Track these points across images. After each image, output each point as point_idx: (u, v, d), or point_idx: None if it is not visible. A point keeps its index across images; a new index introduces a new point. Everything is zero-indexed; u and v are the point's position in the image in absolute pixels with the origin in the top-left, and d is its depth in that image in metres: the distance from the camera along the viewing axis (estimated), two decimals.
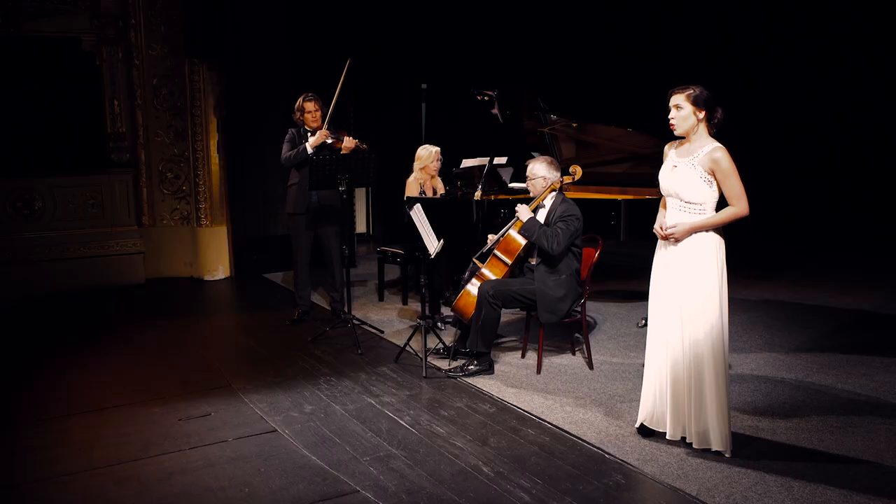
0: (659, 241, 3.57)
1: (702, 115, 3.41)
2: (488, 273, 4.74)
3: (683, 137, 3.50)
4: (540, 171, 4.64)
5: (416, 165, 6.00)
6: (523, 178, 4.87)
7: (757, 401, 4.15)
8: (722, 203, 3.43)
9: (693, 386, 3.45)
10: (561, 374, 4.67)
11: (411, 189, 5.96)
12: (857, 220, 8.67)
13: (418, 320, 5.14)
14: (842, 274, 7.39)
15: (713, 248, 3.42)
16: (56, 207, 7.26)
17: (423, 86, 6.31)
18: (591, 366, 4.77)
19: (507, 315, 5.76)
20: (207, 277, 7.77)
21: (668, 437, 3.57)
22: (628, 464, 3.42)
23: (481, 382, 4.52)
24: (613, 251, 7.28)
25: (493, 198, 6.00)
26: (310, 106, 5.64)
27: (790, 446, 3.56)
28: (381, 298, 6.65)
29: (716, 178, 3.37)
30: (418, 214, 4.77)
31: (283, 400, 4.30)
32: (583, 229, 4.63)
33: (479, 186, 5.73)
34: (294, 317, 6.00)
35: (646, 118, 5.33)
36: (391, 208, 9.22)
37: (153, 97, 7.61)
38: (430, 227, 4.79)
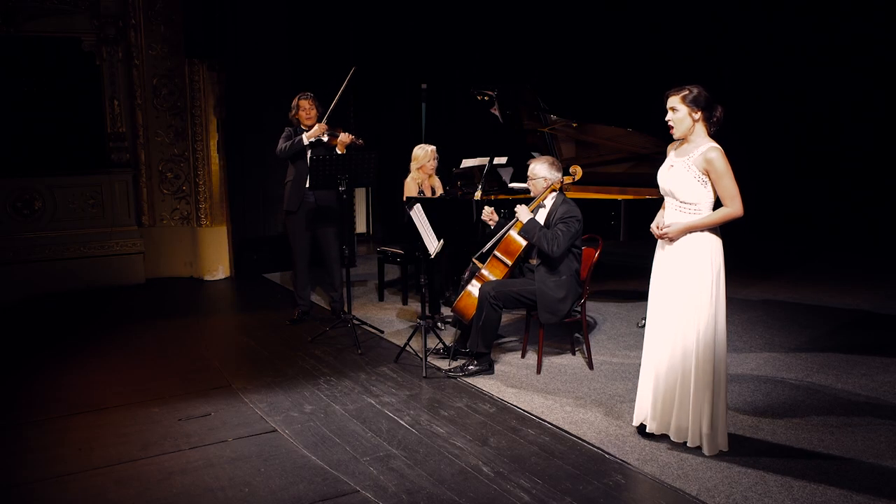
0: (658, 241, 3.57)
1: (698, 115, 3.40)
2: (488, 274, 4.73)
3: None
4: (541, 171, 4.64)
5: (413, 165, 6.00)
6: (523, 178, 4.87)
7: (757, 401, 4.15)
8: (720, 204, 3.43)
9: (680, 383, 3.47)
10: (561, 374, 4.67)
11: (410, 189, 5.96)
12: (857, 220, 8.66)
13: (418, 320, 5.14)
14: (842, 274, 7.39)
15: (708, 249, 3.42)
16: (56, 207, 7.26)
17: (423, 86, 6.31)
18: (591, 366, 4.77)
19: (507, 315, 5.76)
20: (207, 277, 7.77)
21: (647, 430, 3.63)
22: (628, 464, 3.42)
23: (481, 382, 4.52)
24: (613, 251, 7.29)
25: (493, 198, 6.00)
26: (304, 104, 5.68)
27: (790, 446, 3.56)
28: (381, 298, 6.65)
29: (710, 179, 3.37)
30: (418, 214, 4.77)
31: (283, 400, 4.30)
32: (583, 230, 4.63)
33: (479, 186, 5.72)
34: (294, 317, 6.00)
35: (646, 118, 5.32)
36: (391, 208, 9.22)
37: (153, 97, 7.61)
38: (430, 227, 4.79)
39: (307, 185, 5.45)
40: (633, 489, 3.24)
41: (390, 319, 6.00)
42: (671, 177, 3.46)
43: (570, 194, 5.11)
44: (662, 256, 3.56)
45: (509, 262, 4.68)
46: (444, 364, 4.83)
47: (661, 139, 5.10)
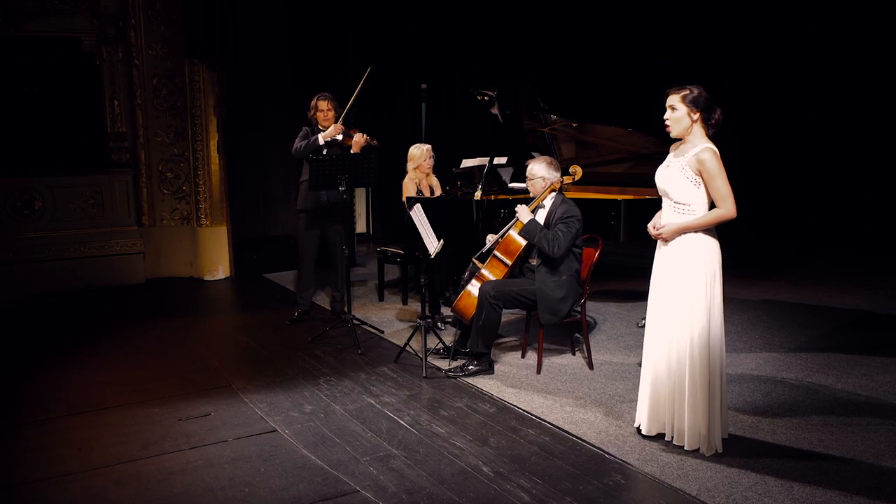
0: (658, 241, 3.58)
1: (696, 116, 3.40)
2: (488, 274, 4.73)
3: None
4: (539, 171, 4.64)
5: (410, 166, 6.01)
6: (523, 178, 4.87)
7: (757, 401, 4.15)
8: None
9: (675, 384, 3.48)
10: (561, 374, 4.67)
11: (408, 189, 5.96)
12: (857, 220, 8.66)
13: (418, 320, 5.14)
14: (842, 274, 7.39)
15: (702, 251, 3.42)
16: (56, 207, 7.26)
17: (423, 86, 6.31)
18: (591, 366, 4.77)
19: (507, 315, 5.75)
20: (207, 277, 7.77)
21: (643, 431, 3.64)
22: (628, 464, 3.42)
23: (481, 382, 4.52)
24: (613, 251, 7.29)
25: (493, 198, 5.99)
26: (323, 105, 5.70)
27: (790, 446, 3.56)
28: (381, 298, 6.65)
29: (703, 180, 3.37)
30: (418, 214, 4.77)
31: (283, 400, 4.30)
32: (583, 230, 4.63)
33: (479, 186, 5.73)
34: (294, 317, 6.00)
35: (646, 118, 5.32)
36: (391, 208, 9.21)
37: (153, 97, 7.61)
38: (430, 227, 4.79)
39: (308, 186, 5.46)
40: (633, 489, 3.24)
41: (390, 319, 6.00)
42: (666, 177, 3.48)
43: (570, 194, 5.11)
44: (660, 257, 3.58)
45: (509, 262, 4.68)
46: (444, 364, 4.83)
47: (661, 139, 5.08)
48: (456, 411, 4.10)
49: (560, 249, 4.45)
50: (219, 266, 7.84)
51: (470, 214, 5.49)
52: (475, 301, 4.59)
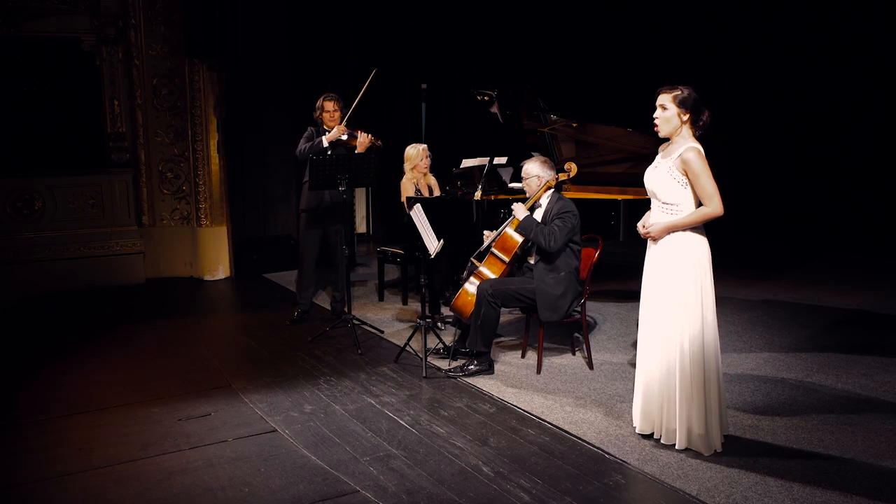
0: (648, 241, 3.61)
1: (686, 117, 3.44)
2: (486, 272, 4.74)
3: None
4: (533, 169, 4.66)
5: (407, 166, 6.01)
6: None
7: (757, 401, 4.15)
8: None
9: (667, 383, 3.48)
10: (561, 374, 4.67)
11: (407, 190, 5.96)
12: (857, 220, 8.66)
13: (418, 320, 5.14)
14: (842, 274, 7.39)
15: (691, 248, 3.44)
16: (56, 207, 7.26)
17: (423, 86, 6.31)
18: (591, 366, 4.77)
19: (507, 315, 5.76)
20: (207, 277, 7.77)
21: (637, 430, 3.66)
22: (628, 464, 3.42)
23: (481, 382, 4.52)
24: (613, 251, 7.28)
25: (493, 198, 6.00)
26: (329, 105, 5.69)
27: (790, 446, 3.56)
28: (381, 298, 6.65)
29: (689, 179, 3.38)
30: (418, 214, 4.77)
31: (283, 400, 4.30)
32: (582, 229, 4.63)
33: (479, 186, 5.73)
34: (294, 317, 6.00)
35: (646, 118, 5.31)
36: (391, 208, 9.21)
37: (153, 97, 7.61)
38: (430, 227, 4.79)
39: (308, 186, 5.46)
40: (633, 489, 3.24)
41: (390, 319, 6.00)
42: (654, 177, 3.51)
43: (570, 194, 5.12)
44: (650, 256, 3.61)
45: (506, 259, 4.69)
46: (444, 364, 4.83)
47: (660, 140, 5.09)
48: (456, 411, 4.10)
49: (556, 244, 4.45)
50: (219, 266, 7.84)
51: (470, 214, 5.49)
52: (473, 299, 4.60)
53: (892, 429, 3.74)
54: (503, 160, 6.32)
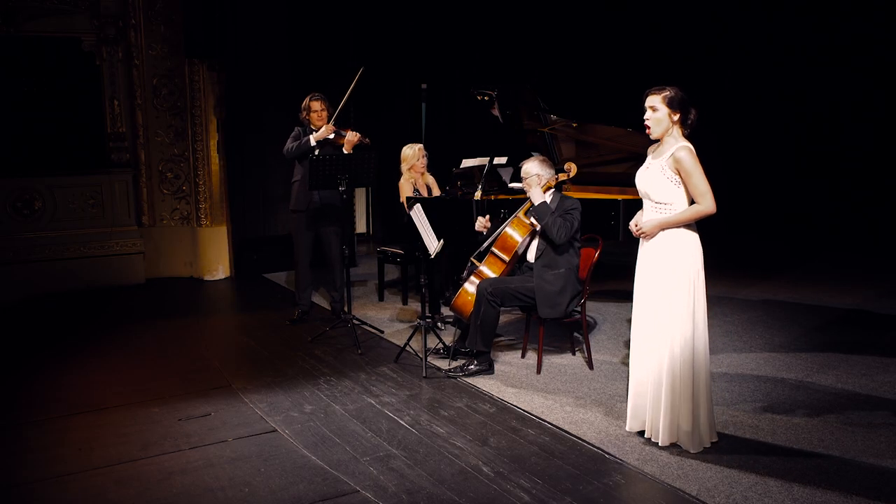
0: (640, 240, 3.62)
1: (676, 117, 3.46)
2: (486, 271, 4.74)
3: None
4: (533, 168, 4.66)
5: (404, 167, 6.01)
6: None
7: (757, 401, 4.14)
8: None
9: (658, 379, 3.50)
10: (561, 374, 4.67)
11: (405, 190, 5.97)
12: (857, 220, 8.66)
13: (418, 320, 5.14)
14: (842, 274, 7.39)
15: (683, 246, 3.45)
16: (56, 207, 7.27)
17: (423, 86, 6.31)
18: (591, 366, 4.77)
19: (507, 315, 5.76)
20: (207, 277, 7.77)
21: (626, 428, 3.70)
22: (628, 464, 3.42)
23: (481, 382, 4.52)
24: (613, 251, 7.28)
25: (493, 198, 5.99)
26: (315, 105, 5.69)
27: (790, 446, 3.56)
28: (381, 298, 6.65)
29: (681, 178, 3.40)
30: (418, 214, 4.77)
31: (283, 400, 4.30)
32: (582, 229, 4.64)
33: (479, 186, 5.72)
34: (294, 317, 6.00)
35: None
36: (391, 208, 9.20)
37: (153, 97, 7.61)
38: (430, 227, 4.79)
39: (308, 186, 5.45)
40: (633, 489, 3.24)
41: (390, 319, 6.00)
42: (646, 178, 3.52)
43: (570, 194, 5.11)
44: (642, 254, 3.63)
45: (507, 258, 4.69)
46: (444, 364, 4.83)
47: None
48: (456, 411, 4.10)
49: (565, 237, 4.46)
50: (219, 266, 7.84)
51: (470, 214, 5.49)
52: (473, 299, 4.60)
53: (892, 429, 3.73)
54: (503, 160, 6.32)
